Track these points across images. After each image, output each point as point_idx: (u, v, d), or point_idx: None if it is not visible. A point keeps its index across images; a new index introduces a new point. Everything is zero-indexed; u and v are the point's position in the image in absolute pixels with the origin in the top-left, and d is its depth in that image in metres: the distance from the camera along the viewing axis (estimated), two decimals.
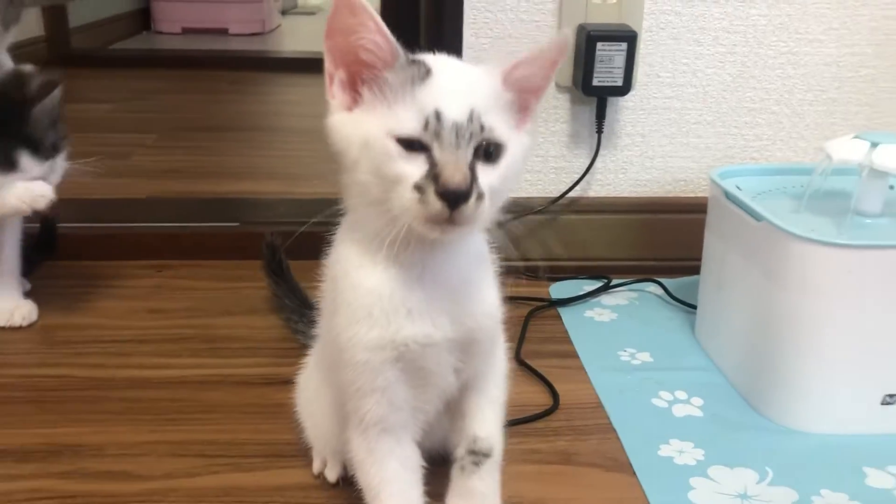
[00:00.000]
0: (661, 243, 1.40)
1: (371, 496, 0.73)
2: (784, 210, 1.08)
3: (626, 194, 1.39)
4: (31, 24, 3.01)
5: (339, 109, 0.66)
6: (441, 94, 0.62)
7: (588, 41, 1.25)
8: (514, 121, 0.66)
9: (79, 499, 0.86)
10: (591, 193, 1.39)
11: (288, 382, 0.93)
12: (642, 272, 1.39)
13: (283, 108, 2.69)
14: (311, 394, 0.87)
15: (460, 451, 0.77)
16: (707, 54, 1.33)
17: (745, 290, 1.06)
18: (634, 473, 0.92)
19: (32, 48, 2.98)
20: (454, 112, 0.61)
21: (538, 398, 1.06)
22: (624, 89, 1.28)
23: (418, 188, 0.61)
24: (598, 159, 1.36)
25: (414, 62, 0.64)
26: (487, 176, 0.63)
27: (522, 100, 0.67)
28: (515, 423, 0.99)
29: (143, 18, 4.03)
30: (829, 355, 0.98)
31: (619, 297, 1.33)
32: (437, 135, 0.61)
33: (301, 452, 0.92)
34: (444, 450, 0.81)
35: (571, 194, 1.37)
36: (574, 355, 1.16)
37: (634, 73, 1.29)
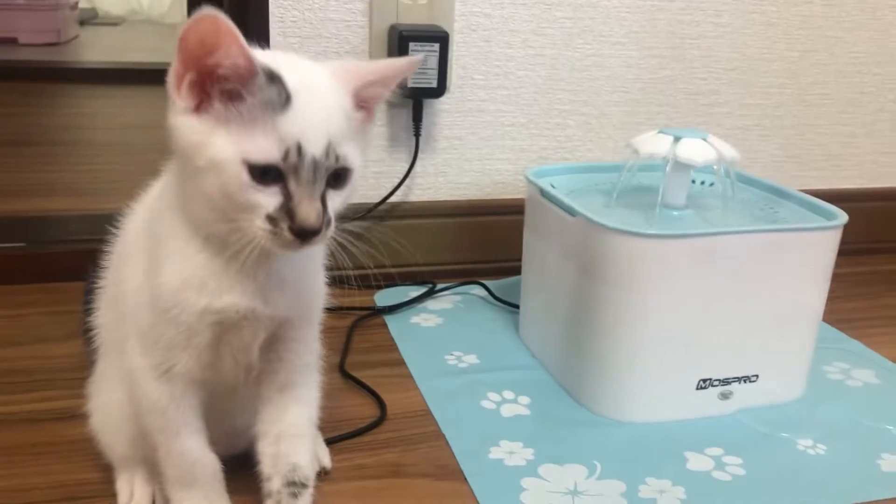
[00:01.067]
0: (483, 245, 1.40)
1: (166, 435, 0.72)
2: (597, 205, 1.10)
3: (445, 198, 1.38)
4: None
5: (185, 111, 0.61)
6: (302, 126, 0.61)
7: (401, 41, 1.22)
8: (357, 133, 0.66)
9: None
10: (412, 198, 1.36)
11: (81, 416, 0.83)
12: (466, 275, 1.38)
13: (80, 120, 2.49)
14: (106, 397, 0.80)
15: (275, 485, 0.75)
16: (518, 56, 1.34)
17: (564, 285, 1.06)
18: (465, 479, 0.89)
19: None
20: (314, 146, 0.61)
21: (365, 411, 1.01)
22: (439, 91, 1.27)
23: (271, 220, 0.61)
24: (418, 163, 1.34)
25: (272, 79, 0.60)
26: (335, 200, 0.64)
27: (364, 109, 0.67)
28: (340, 438, 0.93)
29: None
30: (646, 345, 1.00)
31: (445, 302, 1.31)
32: (296, 169, 0.61)
33: (102, 491, 0.82)
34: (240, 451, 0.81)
35: (392, 199, 1.34)
36: (401, 363, 1.12)
37: (449, 75, 1.28)
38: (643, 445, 0.97)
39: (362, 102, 0.66)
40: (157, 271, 0.68)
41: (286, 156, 0.60)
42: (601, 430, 0.99)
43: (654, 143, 1.07)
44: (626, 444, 0.97)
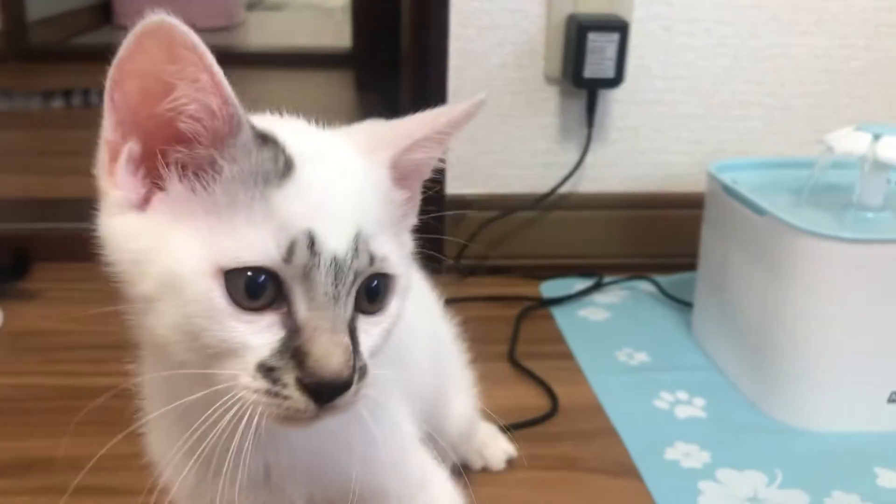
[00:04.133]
0: (653, 239, 1.37)
1: None
2: (784, 204, 1.05)
3: (616, 189, 1.36)
4: None
5: (124, 206, 0.42)
6: (314, 203, 0.40)
7: (579, 32, 1.21)
8: (398, 223, 0.46)
9: None
10: (581, 189, 1.36)
11: None
12: (633, 269, 1.35)
13: (249, 105, 2.61)
14: None
15: None
16: (699, 46, 1.30)
17: (747, 286, 1.03)
18: (641, 478, 0.89)
19: None
20: (335, 238, 0.40)
21: (536, 401, 1.02)
22: (615, 81, 1.25)
23: (267, 371, 0.39)
24: (589, 154, 1.32)
25: (265, 141, 0.41)
26: (371, 334, 0.43)
27: (404, 203, 0.47)
28: (516, 427, 0.95)
29: (104, 13, 3.92)
30: (835, 352, 0.95)
31: (612, 296, 1.30)
32: (307, 276, 0.39)
33: None
34: None
35: (561, 190, 1.34)
36: (570, 356, 1.12)
37: (625, 65, 1.26)
38: (829, 457, 0.93)
39: (407, 176, 0.46)
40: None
41: (289, 253, 0.39)
42: (783, 438, 0.96)
43: (851, 141, 1.01)
44: (809, 454, 0.93)
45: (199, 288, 0.39)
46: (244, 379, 0.39)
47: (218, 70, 0.39)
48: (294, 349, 0.39)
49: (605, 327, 1.20)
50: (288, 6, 5.11)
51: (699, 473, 0.89)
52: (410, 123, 0.45)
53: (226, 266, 0.38)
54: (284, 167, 0.40)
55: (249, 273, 0.39)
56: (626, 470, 0.90)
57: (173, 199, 0.41)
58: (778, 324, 0.98)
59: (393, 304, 0.44)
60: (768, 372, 1.00)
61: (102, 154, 0.42)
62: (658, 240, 1.36)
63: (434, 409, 0.64)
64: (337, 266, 0.39)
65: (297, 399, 0.39)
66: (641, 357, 1.12)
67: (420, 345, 0.59)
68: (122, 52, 0.39)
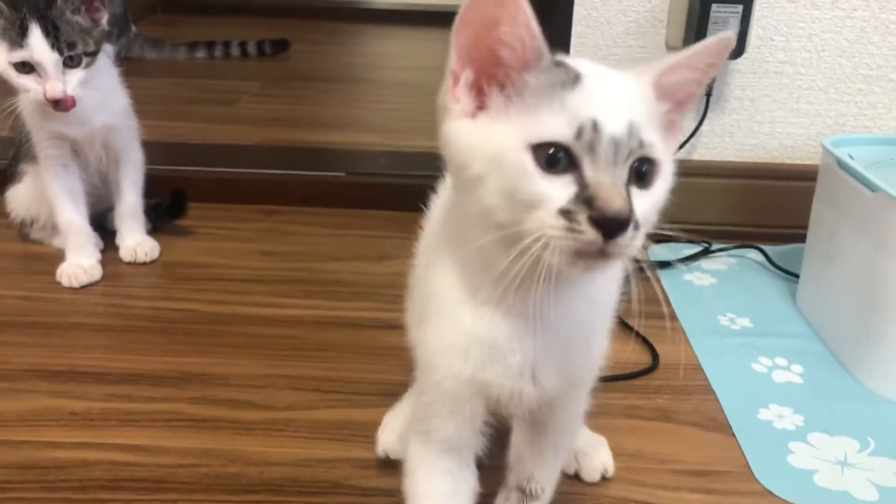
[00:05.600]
0: (764, 209, 1.39)
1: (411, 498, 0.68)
2: None
3: (731, 158, 1.38)
4: None
5: (461, 116, 0.55)
6: (596, 101, 0.52)
7: (703, 2, 1.23)
8: (662, 126, 0.57)
9: (208, 423, 0.93)
10: (696, 156, 1.39)
11: (395, 327, 0.97)
12: (743, 238, 1.38)
13: (376, 60, 2.71)
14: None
15: (511, 481, 0.75)
16: (824, 18, 1.30)
17: (855, 260, 1.05)
18: (734, 434, 0.94)
19: None
20: (613, 124, 0.52)
21: (637, 357, 1.08)
22: (737, 52, 1.27)
23: (565, 213, 0.51)
24: (705, 122, 1.35)
25: (559, 64, 0.54)
26: (641, 202, 0.54)
27: (668, 112, 0.58)
28: (616, 378, 1.01)
29: None
30: None
31: (719, 263, 1.33)
32: (592, 148, 0.51)
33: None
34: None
35: (675, 156, 1.37)
36: (673, 317, 1.17)
37: (748, 37, 1.27)
38: None
39: (667, 96, 0.57)
40: (425, 327, 0.64)
41: (579, 133, 0.51)
42: (879, 408, 0.99)
43: None
44: None
45: (516, 157, 0.52)
46: (549, 220, 0.51)
47: (531, 13, 0.52)
48: (585, 198, 0.50)
49: (710, 292, 1.24)
50: None
51: (791, 434, 0.94)
52: (671, 56, 0.57)
53: (533, 141, 0.52)
54: (575, 78, 0.53)
55: (551, 147, 0.52)
56: (719, 426, 0.96)
57: (494, 107, 0.54)
58: (883, 298, 1.00)
59: (658, 184, 0.56)
60: (869, 344, 1.03)
61: (447, 81, 0.56)
62: (770, 210, 1.38)
63: None
64: (616, 143, 0.51)
65: (588, 232, 0.50)
66: (744, 322, 1.16)
67: None
68: (465, 7, 0.53)
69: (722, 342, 1.11)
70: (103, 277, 1.24)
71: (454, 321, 0.61)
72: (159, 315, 1.14)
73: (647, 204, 0.55)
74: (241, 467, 0.86)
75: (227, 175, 1.54)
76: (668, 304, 1.21)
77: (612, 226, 0.50)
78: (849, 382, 1.04)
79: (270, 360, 1.05)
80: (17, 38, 1.08)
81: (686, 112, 0.61)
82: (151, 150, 1.36)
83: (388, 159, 1.64)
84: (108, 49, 1.25)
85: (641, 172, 0.54)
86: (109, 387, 0.98)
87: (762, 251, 1.34)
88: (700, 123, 1.35)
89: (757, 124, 1.36)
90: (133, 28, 2.50)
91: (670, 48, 1.32)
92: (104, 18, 1.17)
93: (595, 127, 0.51)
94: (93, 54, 1.15)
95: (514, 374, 0.61)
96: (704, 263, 1.33)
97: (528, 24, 0.52)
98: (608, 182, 0.51)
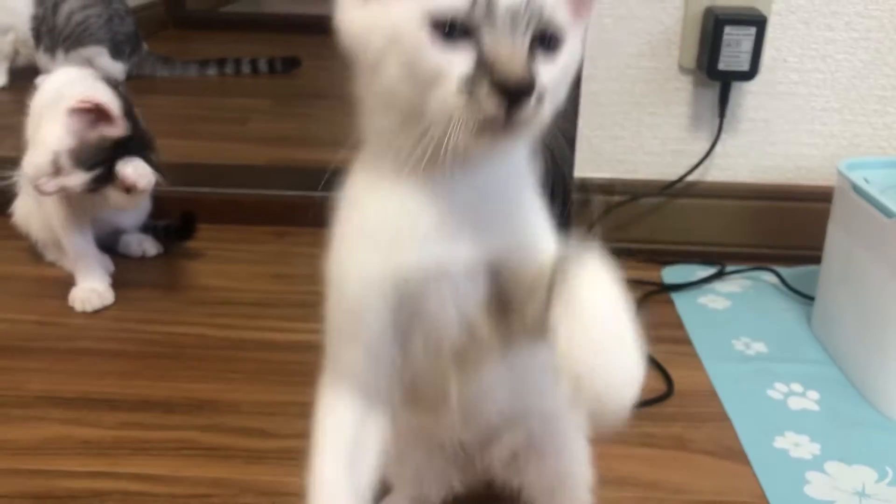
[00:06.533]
0: (779, 231, 1.38)
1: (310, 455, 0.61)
2: None
3: (745, 179, 1.38)
4: None
5: (354, 4, 0.54)
6: None
7: (716, 24, 1.23)
8: (569, 11, 0.54)
9: (220, 451, 0.93)
10: (709, 178, 1.38)
11: None
12: (757, 259, 1.37)
13: None
14: None
15: None
16: (838, 39, 1.29)
17: (871, 286, 1.04)
18: (749, 463, 0.93)
19: (151, 11, 3.10)
20: None
21: (651, 383, 1.07)
22: (750, 74, 1.26)
23: (466, 84, 0.50)
24: (718, 143, 1.34)
25: None
26: (546, 70, 0.52)
27: None
28: None
29: None
30: None
31: (733, 285, 1.33)
32: (489, 15, 0.50)
33: None
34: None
35: (689, 178, 1.36)
36: (687, 342, 1.16)
37: (761, 58, 1.27)
38: None
39: None
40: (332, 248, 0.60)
41: (474, 2, 0.49)
42: None
43: None
44: None
45: (412, 32, 0.50)
46: (450, 94, 0.50)
47: None
48: (485, 65, 0.49)
49: (724, 315, 1.24)
50: None
51: (808, 464, 0.93)
52: None
53: (430, 13, 0.50)
54: None
55: (446, 19, 0.50)
56: (734, 454, 0.95)
57: None
58: None
59: (562, 55, 0.53)
60: (886, 371, 1.02)
61: None
62: (784, 231, 1.37)
63: None
64: (514, 11, 0.49)
65: (489, 100, 0.49)
66: (759, 347, 1.15)
67: None
68: None
69: (737, 368, 1.10)
70: (115, 301, 1.24)
71: (363, 212, 0.58)
72: (172, 340, 1.14)
73: (553, 73, 0.52)
74: (253, 497, 0.86)
75: (238, 196, 1.54)
76: (683, 328, 1.20)
77: (513, 90, 0.49)
78: (866, 410, 1.03)
79: (282, 386, 1.05)
80: None
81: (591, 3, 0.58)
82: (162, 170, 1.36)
83: None
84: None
85: (546, 40, 0.52)
86: (123, 414, 0.99)
87: (777, 273, 1.33)
88: (713, 145, 1.34)
89: (771, 145, 1.36)
90: (144, 46, 2.52)
91: (683, 69, 1.31)
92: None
93: None
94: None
95: (428, 241, 0.56)
96: (718, 285, 1.32)
97: None
98: (507, 48, 0.49)
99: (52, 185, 1.11)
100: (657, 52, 1.31)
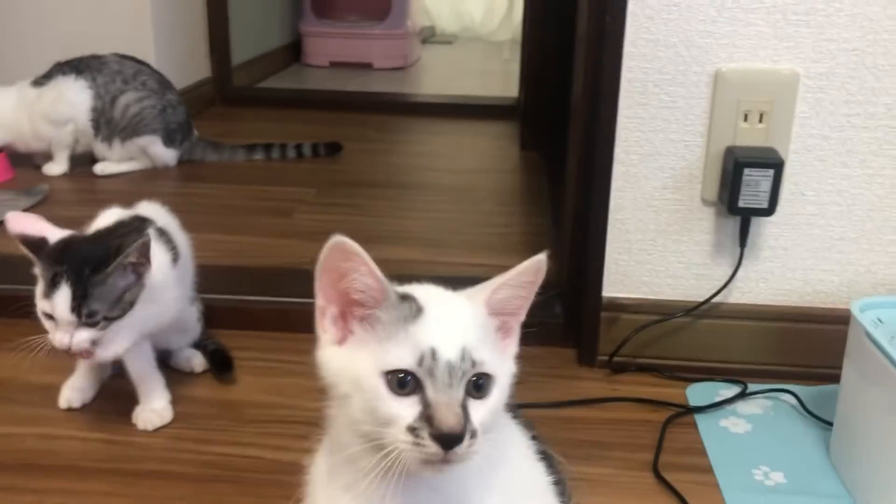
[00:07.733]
0: (798, 351, 1.44)
1: None
2: None
3: (765, 302, 1.45)
4: (200, 66, 3.29)
5: (331, 343, 0.68)
6: (435, 331, 0.64)
7: (735, 166, 1.31)
8: (498, 348, 0.69)
9: None
10: (731, 300, 1.45)
11: None
12: (778, 377, 1.44)
13: (425, 161, 2.75)
14: None
15: None
16: (854, 175, 1.37)
17: (886, 428, 1.10)
18: None
19: (202, 90, 3.26)
20: (448, 351, 0.64)
21: None
22: (769, 211, 1.34)
23: (412, 430, 0.62)
24: (740, 269, 1.42)
25: (405, 299, 0.67)
26: (479, 411, 0.65)
27: (504, 323, 0.70)
28: None
29: (294, 52, 4.30)
30: None
31: (755, 406, 1.39)
32: (431, 373, 0.63)
33: None
34: None
35: (712, 300, 1.44)
36: (709, 470, 1.23)
37: (779, 197, 1.34)
38: None
39: (498, 312, 0.69)
40: None
41: (421, 361, 0.63)
42: None
43: None
44: None
45: (372, 383, 0.64)
46: (400, 436, 0.63)
47: (372, 264, 0.65)
48: (427, 416, 0.62)
49: (744, 441, 1.30)
50: (458, 39, 5.35)
51: None
52: (497, 278, 0.69)
53: (385, 369, 0.64)
54: (417, 311, 0.66)
55: (399, 373, 0.64)
56: None
57: (356, 337, 0.67)
58: None
59: (494, 394, 0.67)
60: None
61: (317, 313, 0.69)
62: (803, 351, 1.44)
63: None
64: (451, 367, 0.63)
65: (430, 446, 0.62)
66: (777, 477, 1.21)
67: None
68: (321, 256, 0.66)
69: (756, 500, 1.16)
70: (175, 418, 1.33)
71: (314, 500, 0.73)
72: (228, 462, 1.23)
73: (485, 412, 0.65)
74: None
75: (285, 305, 1.63)
76: (705, 454, 1.26)
77: (448, 440, 0.62)
78: None
79: None
80: (47, 288, 1.13)
81: (520, 318, 0.71)
82: (209, 276, 1.47)
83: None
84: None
85: (479, 385, 0.65)
86: None
87: (796, 396, 1.39)
88: (736, 271, 1.42)
89: (790, 271, 1.43)
90: (195, 133, 2.66)
91: (705, 202, 1.40)
92: (147, 272, 1.20)
93: (433, 354, 0.63)
94: (115, 318, 1.18)
95: None
96: (740, 407, 1.38)
97: (371, 272, 0.65)
98: (444, 402, 0.63)
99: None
100: (680, 186, 1.39)
